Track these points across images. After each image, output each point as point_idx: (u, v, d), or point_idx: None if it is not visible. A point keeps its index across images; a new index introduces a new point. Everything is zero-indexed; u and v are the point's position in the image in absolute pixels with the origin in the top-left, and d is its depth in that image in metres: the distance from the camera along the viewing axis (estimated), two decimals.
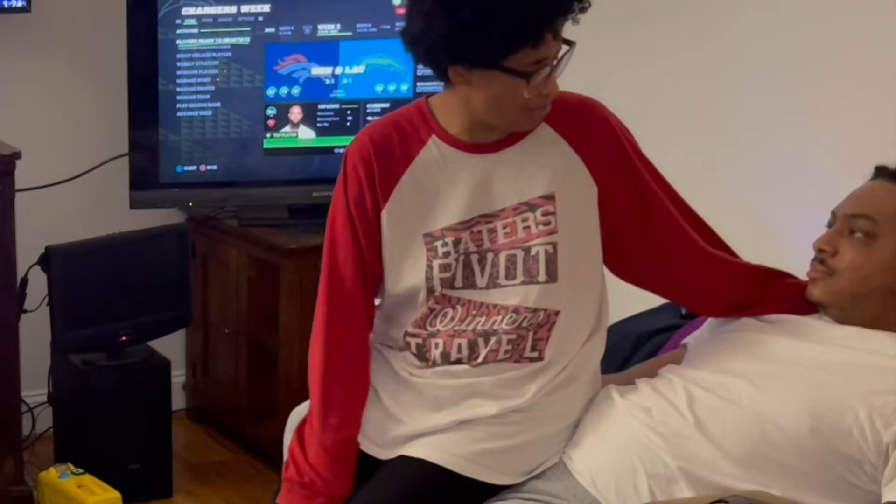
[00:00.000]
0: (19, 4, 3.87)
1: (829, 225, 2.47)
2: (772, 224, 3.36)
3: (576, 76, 2.24)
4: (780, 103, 3.40)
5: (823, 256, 2.43)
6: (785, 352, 2.37)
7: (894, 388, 2.24)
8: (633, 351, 2.85)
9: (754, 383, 2.31)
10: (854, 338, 2.37)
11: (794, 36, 3.35)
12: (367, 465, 2.36)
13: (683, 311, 2.90)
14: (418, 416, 2.36)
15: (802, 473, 2.23)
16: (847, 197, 2.47)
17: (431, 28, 2.17)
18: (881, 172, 2.48)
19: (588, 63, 2.23)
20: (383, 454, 2.37)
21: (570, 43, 2.22)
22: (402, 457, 2.35)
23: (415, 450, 2.34)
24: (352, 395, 2.35)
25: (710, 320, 2.59)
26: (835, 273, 2.41)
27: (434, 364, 2.36)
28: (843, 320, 2.41)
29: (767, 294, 2.48)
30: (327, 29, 3.98)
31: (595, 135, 2.34)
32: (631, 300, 2.66)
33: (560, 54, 2.21)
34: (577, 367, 2.39)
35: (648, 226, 2.39)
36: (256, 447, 4.15)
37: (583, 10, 2.21)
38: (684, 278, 2.47)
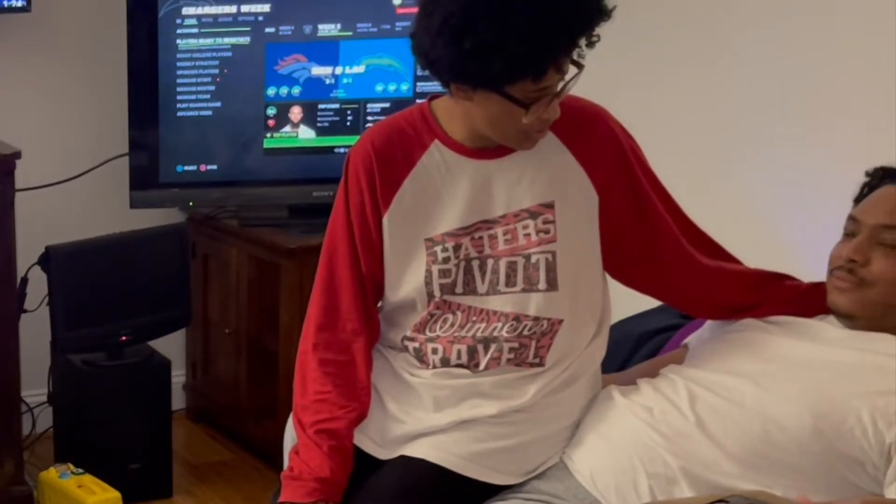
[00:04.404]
0: (19, 4, 3.87)
1: (848, 230, 2.43)
2: (775, 226, 3.36)
3: (582, 80, 2.24)
4: (782, 107, 3.40)
5: (853, 266, 2.39)
6: (787, 352, 2.37)
7: None
8: (633, 351, 2.85)
9: (757, 383, 2.31)
10: (857, 339, 2.37)
11: (796, 40, 3.35)
12: (368, 465, 2.36)
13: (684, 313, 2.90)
14: (418, 416, 2.36)
15: (804, 473, 2.23)
16: (871, 204, 2.42)
17: (436, 48, 2.17)
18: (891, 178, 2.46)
19: (591, 67, 2.23)
20: (383, 454, 2.37)
21: (579, 66, 2.21)
22: (402, 457, 2.35)
23: (415, 450, 2.34)
24: (337, 391, 2.34)
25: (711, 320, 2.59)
26: (865, 284, 2.37)
27: (434, 367, 2.36)
28: (858, 329, 2.39)
29: (767, 297, 2.48)
30: (327, 29, 3.98)
31: (599, 144, 2.34)
32: (631, 300, 2.66)
33: (566, 80, 2.21)
34: (578, 367, 2.39)
35: (648, 236, 2.39)
36: (256, 447, 4.15)
37: (590, 45, 2.19)
38: (682, 287, 2.47)
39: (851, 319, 2.40)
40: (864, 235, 2.40)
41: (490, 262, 2.33)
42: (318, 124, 4.05)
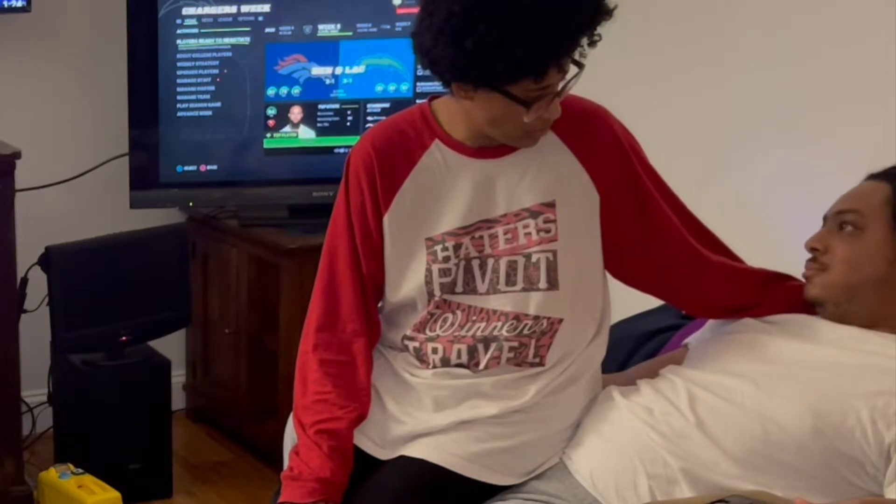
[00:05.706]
0: (19, 4, 3.87)
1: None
2: (775, 227, 3.36)
3: (582, 80, 2.24)
4: (782, 107, 3.40)
5: (815, 255, 2.45)
6: (787, 352, 2.37)
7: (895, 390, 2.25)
8: (633, 351, 2.85)
9: (756, 384, 2.31)
10: (855, 339, 2.37)
11: (796, 41, 3.35)
12: (368, 466, 2.35)
13: (684, 311, 2.89)
14: (419, 417, 2.36)
15: (804, 474, 2.23)
16: (836, 201, 2.49)
17: (437, 48, 2.17)
18: (868, 177, 2.51)
19: (591, 67, 2.23)
20: (383, 454, 2.37)
21: (579, 65, 2.21)
22: (402, 457, 2.35)
23: (415, 450, 2.34)
24: (337, 391, 2.34)
25: (711, 320, 2.59)
26: (827, 268, 2.43)
27: (434, 366, 2.36)
28: (840, 317, 2.42)
29: (768, 296, 2.48)
30: (327, 29, 3.98)
31: (600, 144, 2.33)
32: (632, 300, 2.66)
33: (567, 79, 2.21)
34: (578, 367, 2.39)
35: (650, 235, 2.39)
36: (256, 447, 4.15)
37: (592, 44, 2.19)
38: (684, 285, 2.47)
39: (822, 306, 2.44)
40: (825, 226, 2.47)
41: (490, 261, 2.33)
42: (318, 124, 4.05)
